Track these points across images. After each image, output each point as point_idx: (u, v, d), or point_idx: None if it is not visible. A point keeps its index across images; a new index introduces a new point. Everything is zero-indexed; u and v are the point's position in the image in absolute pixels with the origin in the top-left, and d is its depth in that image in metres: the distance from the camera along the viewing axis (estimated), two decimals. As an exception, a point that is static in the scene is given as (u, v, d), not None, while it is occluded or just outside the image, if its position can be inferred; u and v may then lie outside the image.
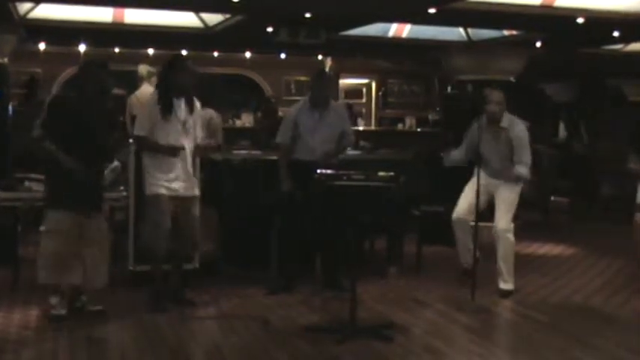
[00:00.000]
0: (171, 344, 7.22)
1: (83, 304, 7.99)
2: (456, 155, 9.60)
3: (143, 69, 12.03)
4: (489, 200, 9.38)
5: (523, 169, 9.18)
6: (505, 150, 9.19)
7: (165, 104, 8.14)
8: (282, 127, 9.31)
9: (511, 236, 9.27)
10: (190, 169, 8.27)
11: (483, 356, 7.17)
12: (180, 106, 8.19)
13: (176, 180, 8.17)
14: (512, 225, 9.29)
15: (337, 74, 18.89)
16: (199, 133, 8.47)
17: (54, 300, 7.79)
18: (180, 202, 8.23)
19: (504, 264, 9.30)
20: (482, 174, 9.12)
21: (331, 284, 9.11)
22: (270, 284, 9.06)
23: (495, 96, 9.25)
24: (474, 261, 8.97)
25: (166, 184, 8.14)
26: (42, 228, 7.93)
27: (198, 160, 8.67)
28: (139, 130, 8.28)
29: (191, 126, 8.27)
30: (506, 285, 9.31)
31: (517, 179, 9.24)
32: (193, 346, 7.31)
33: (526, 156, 9.21)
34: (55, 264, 7.68)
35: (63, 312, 7.77)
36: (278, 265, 9.26)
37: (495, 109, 9.20)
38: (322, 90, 9.25)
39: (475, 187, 8.97)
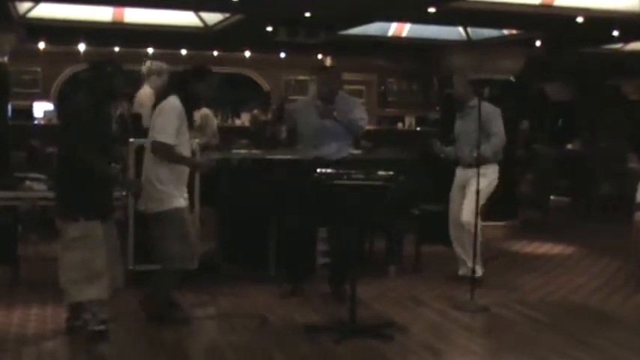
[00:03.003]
0: (170, 344, 7.22)
1: (84, 323, 7.33)
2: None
3: (144, 68, 11.45)
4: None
5: (486, 148, 9.37)
6: (474, 127, 9.23)
7: (189, 116, 7.81)
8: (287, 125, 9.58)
9: (472, 228, 9.36)
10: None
11: (482, 355, 7.19)
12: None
13: (184, 190, 7.86)
14: (474, 216, 9.34)
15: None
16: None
17: (88, 315, 7.25)
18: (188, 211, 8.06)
19: (464, 251, 9.64)
20: (458, 169, 9.82)
21: (339, 294, 8.88)
22: (279, 290, 8.94)
23: (458, 79, 9.96)
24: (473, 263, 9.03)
25: (183, 194, 7.79)
26: (68, 238, 7.20)
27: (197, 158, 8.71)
28: (166, 137, 7.54)
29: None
30: (462, 271, 9.69)
31: (481, 159, 9.22)
32: (192, 345, 7.32)
33: (496, 127, 9.60)
34: (88, 277, 7.13)
35: (103, 326, 7.22)
36: (284, 267, 9.12)
37: (460, 90, 9.80)
38: (326, 85, 8.98)
39: (456, 188, 9.74)
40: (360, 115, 9.19)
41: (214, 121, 11.37)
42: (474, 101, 9.53)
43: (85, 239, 7.09)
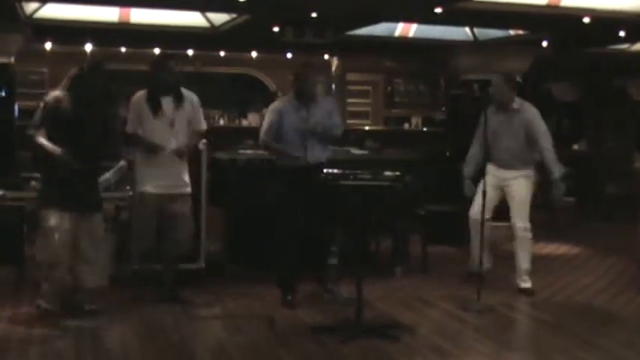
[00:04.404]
0: (175, 344, 7.23)
1: (80, 303, 7.91)
2: (472, 155, 9.61)
3: None
4: (501, 196, 9.40)
5: (556, 167, 9.18)
6: (519, 133, 9.22)
7: (153, 103, 8.25)
8: (267, 125, 8.71)
9: (529, 234, 9.41)
10: (180, 166, 8.34)
11: (489, 355, 7.18)
12: (168, 103, 8.27)
13: (163, 178, 8.22)
14: (529, 223, 9.42)
15: (343, 74, 18.91)
16: (202, 126, 8.56)
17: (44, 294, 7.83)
18: (167, 200, 8.26)
19: (523, 263, 9.44)
20: (493, 167, 9.30)
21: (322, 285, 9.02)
22: (284, 302, 8.68)
23: (498, 79, 9.38)
24: (481, 263, 8.99)
25: (153, 181, 8.24)
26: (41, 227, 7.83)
27: (204, 158, 8.78)
28: (128, 127, 8.35)
29: (181, 121, 8.30)
30: (525, 283, 9.44)
31: (557, 181, 9.23)
32: (198, 345, 7.33)
33: (547, 140, 9.24)
34: (50, 262, 7.66)
35: (49, 306, 7.78)
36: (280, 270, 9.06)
37: (501, 92, 9.30)
38: (308, 83, 8.68)
39: (490, 183, 9.11)
40: (338, 121, 8.90)
41: None
42: (517, 103, 9.32)
43: (44, 226, 7.69)
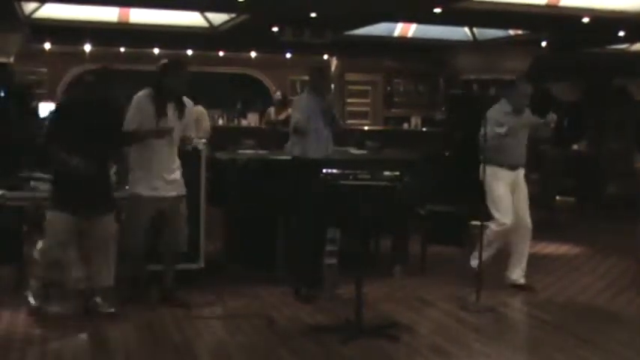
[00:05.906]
0: (176, 344, 7.22)
1: (96, 305, 7.94)
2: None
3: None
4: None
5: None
6: (526, 132, 9.48)
7: (159, 106, 8.16)
8: (299, 114, 9.11)
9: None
10: (174, 168, 8.27)
11: (489, 355, 7.17)
12: (171, 110, 8.21)
13: (157, 179, 8.13)
14: None
15: (343, 74, 18.93)
16: (192, 133, 8.54)
17: (32, 291, 8.05)
18: (163, 202, 8.18)
19: (525, 257, 9.63)
20: (503, 170, 9.38)
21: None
22: (297, 295, 8.82)
23: (529, 89, 9.61)
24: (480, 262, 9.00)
25: (148, 183, 8.13)
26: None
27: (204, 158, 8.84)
28: (128, 124, 8.11)
29: (178, 130, 8.23)
30: (523, 279, 9.59)
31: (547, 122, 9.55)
32: (199, 345, 7.31)
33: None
34: (48, 263, 7.91)
35: (34, 303, 7.98)
36: (297, 272, 9.10)
37: (527, 102, 9.55)
38: (324, 81, 9.35)
39: (506, 185, 9.39)
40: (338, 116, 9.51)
41: (207, 119, 11.31)
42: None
43: (48, 228, 7.83)
